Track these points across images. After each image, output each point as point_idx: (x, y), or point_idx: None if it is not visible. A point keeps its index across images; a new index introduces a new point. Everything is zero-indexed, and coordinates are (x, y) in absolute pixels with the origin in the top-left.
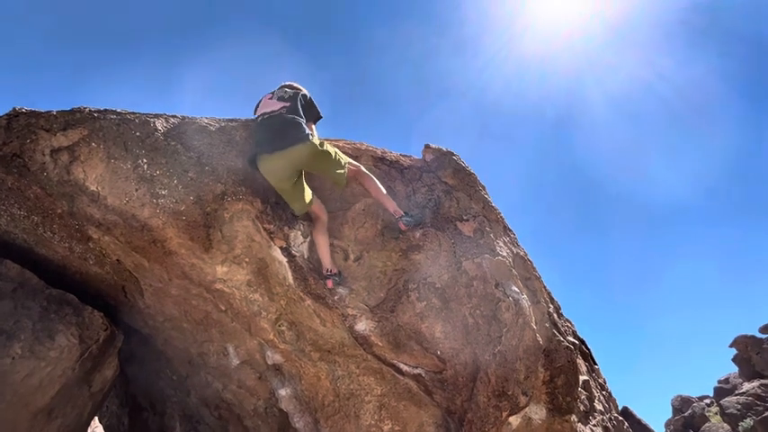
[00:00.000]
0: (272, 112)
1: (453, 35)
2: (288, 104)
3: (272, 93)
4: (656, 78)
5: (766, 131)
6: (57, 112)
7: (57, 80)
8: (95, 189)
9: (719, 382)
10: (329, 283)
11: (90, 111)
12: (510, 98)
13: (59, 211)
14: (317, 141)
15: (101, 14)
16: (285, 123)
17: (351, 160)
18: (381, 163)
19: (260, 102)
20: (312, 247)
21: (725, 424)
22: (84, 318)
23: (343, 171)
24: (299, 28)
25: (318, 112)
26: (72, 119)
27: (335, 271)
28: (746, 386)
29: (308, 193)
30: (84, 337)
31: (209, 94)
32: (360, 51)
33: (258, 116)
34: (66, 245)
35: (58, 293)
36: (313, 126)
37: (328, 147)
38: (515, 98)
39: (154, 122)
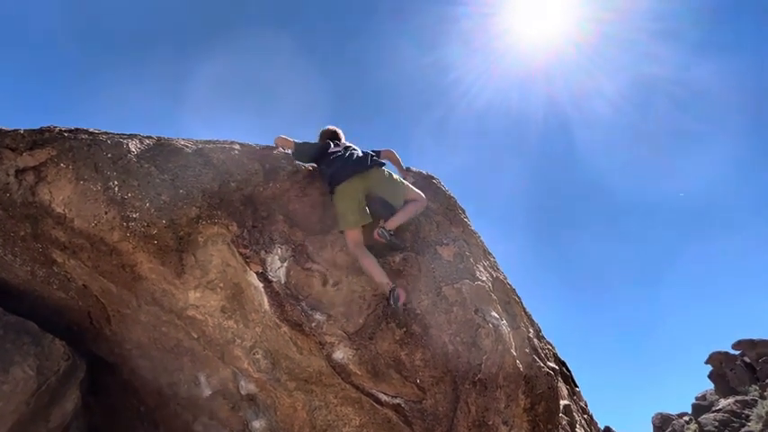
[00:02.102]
0: (355, 149)
1: (439, 54)
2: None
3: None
4: (622, 100)
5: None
6: (24, 130)
7: (59, 84)
8: (62, 211)
9: (697, 398)
10: (401, 296)
11: (60, 130)
12: (495, 115)
13: (22, 233)
14: (387, 170)
15: (106, 18)
16: (366, 154)
17: (416, 190)
18: None
19: (330, 145)
20: (289, 272)
21: None
22: (44, 347)
23: (403, 196)
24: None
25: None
26: (40, 138)
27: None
28: (723, 403)
29: (366, 215)
30: (42, 368)
31: (213, 97)
32: (342, 67)
33: (337, 150)
34: (29, 268)
35: (17, 321)
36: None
37: (396, 176)
38: (500, 115)
39: (127, 144)
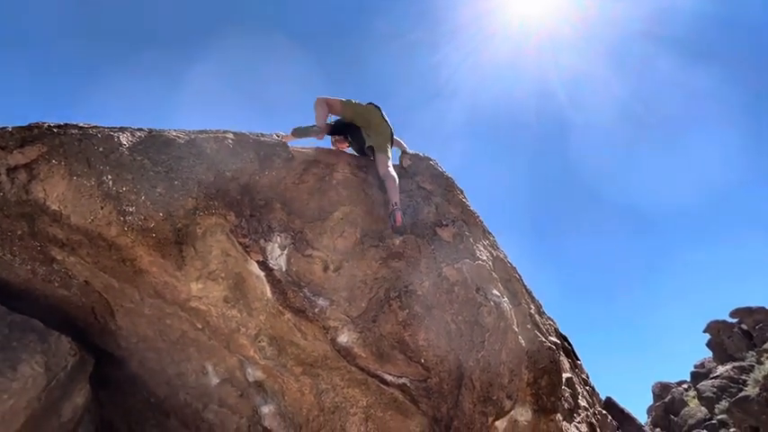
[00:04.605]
0: None
1: (425, 35)
2: None
3: None
4: (618, 84)
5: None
6: (12, 128)
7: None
8: (57, 208)
9: (695, 366)
10: (398, 219)
11: (49, 126)
12: (483, 103)
13: (19, 232)
14: (392, 130)
15: (105, 15)
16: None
17: (392, 164)
18: (359, 170)
19: None
20: (289, 259)
21: (702, 407)
22: (51, 344)
23: (379, 150)
24: (301, 32)
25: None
26: (29, 135)
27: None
28: (720, 369)
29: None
30: (50, 364)
31: (212, 97)
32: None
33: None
34: (29, 267)
35: (22, 319)
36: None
37: (390, 148)
38: (488, 103)
39: (118, 137)
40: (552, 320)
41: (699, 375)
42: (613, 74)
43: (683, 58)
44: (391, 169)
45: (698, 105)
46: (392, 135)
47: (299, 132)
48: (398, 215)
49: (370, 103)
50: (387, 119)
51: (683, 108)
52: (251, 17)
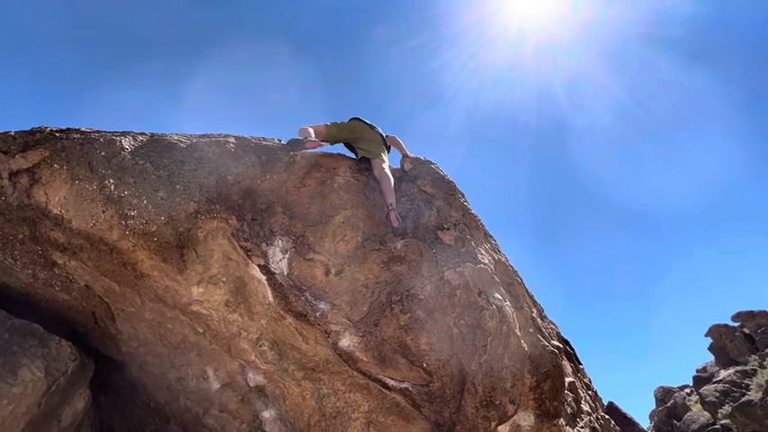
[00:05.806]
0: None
1: (425, 40)
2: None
3: None
4: (617, 86)
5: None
6: (15, 132)
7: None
8: (59, 212)
9: (698, 371)
10: (393, 221)
11: (51, 130)
12: (484, 103)
13: (21, 236)
14: (380, 132)
15: (107, 21)
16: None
17: (388, 166)
18: (360, 174)
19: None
20: (291, 263)
21: (705, 412)
22: (51, 348)
23: (373, 157)
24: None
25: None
26: (31, 139)
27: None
28: (723, 374)
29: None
30: (50, 369)
31: (213, 102)
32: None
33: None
34: (30, 271)
35: (22, 324)
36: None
37: (384, 152)
38: (490, 103)
39: (120, 141)
40: (554, 324)
41: (701, 380)
42: (612, 76)
43: (681, 59)
44: (387, 170)
45: (696, 106)
46: (383, 138)
47: (294, 144)
48: (393, 216)
49: (352, 119)
50: (372, 125)
51: (682, 109)
52: (251, 24)
